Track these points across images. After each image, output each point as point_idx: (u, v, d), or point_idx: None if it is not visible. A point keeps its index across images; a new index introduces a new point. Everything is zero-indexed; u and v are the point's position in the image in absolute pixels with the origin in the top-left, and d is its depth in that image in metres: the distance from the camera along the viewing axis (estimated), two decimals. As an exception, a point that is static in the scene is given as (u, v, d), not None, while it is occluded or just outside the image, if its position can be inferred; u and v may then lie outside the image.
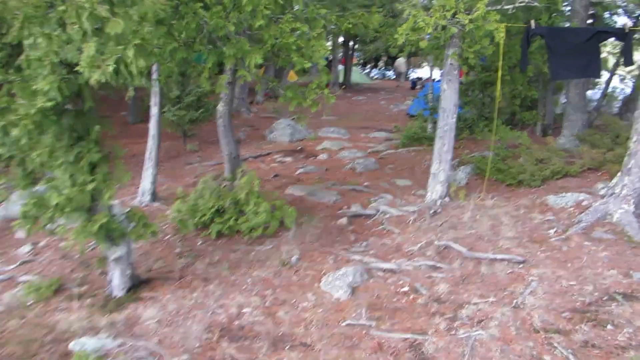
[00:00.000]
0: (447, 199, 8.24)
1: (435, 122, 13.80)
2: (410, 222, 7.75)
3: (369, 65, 44.03)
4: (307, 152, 13.50)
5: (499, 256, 6.15)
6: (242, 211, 7.63)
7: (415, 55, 39.63)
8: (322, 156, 12.90)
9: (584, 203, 7.40)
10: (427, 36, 7.77)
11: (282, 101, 7.44)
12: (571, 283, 5.45)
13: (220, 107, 8.50)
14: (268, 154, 13.23)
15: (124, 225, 5.50)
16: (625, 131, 10.31)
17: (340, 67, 28.95)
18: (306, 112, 7.71)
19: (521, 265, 5.97)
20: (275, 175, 10.92)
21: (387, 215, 8.15)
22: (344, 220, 8.22)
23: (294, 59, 6.85)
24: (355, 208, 8.77)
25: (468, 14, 7.00)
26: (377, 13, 7.83)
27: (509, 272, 5.85)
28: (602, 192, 7.65)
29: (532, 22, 7.33)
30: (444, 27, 7.25)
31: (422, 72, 41.22)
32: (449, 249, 6.60)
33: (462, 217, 7.53)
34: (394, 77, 38.12)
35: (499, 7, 7.38)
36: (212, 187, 7.84)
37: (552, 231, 6.80)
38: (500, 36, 6.97)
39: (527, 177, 8.89)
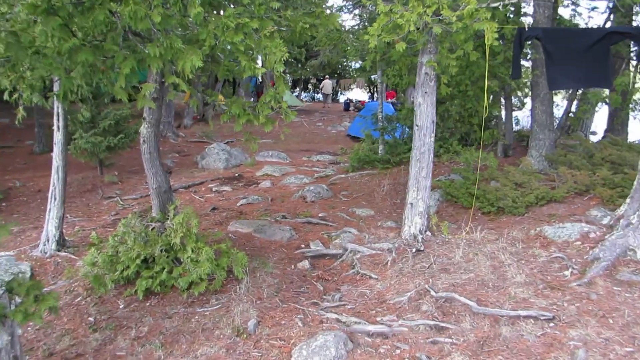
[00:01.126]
0: (428, 233, 6.88)
1: (386, 143, 12.71)
2: (389, 264, 6.31)
3: (297, 88, 43.11)
4: (246, 180, 11.87)
5: (522, 313, 4.75)
6: (177, 260, 5.94)
7: (344, 78, 39.24)
8: (265, 183, 11.31)
9: (592, 235, 6.25)
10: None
11: (226, 119, 5.84)
12: (628, 349, 4.15)
13: (144, 129, 6.69)
14: (201, 182, 11.49)
15: (4, 302, 3.67)
16: (599, 151, 9.48)
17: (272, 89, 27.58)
18: (255, 134, 6.17)
19: (552, 324, 4.63)
20: (213, 209, 9.20)
21: (358, 255, 6.69)
22: (305, 264, 6.71)
23: (242, 64, 5.26)
24: (316, 246, 7.28)
25: (454, 11, 5.77)
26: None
27: (539, 334, 4.48)
28: (604, 221, 6.56)
29: (526, 24, 6.20)
30: (424, 26, 5.98)
31: (352, 94, 40.81)
32: (452, 302, 5.19)
33: (452, 256, 6.18)
34: (322, 99, 37.14)
35: (484, 5, 6.18)
36: (136, 229, 6.06)
37: (567, 273, 5.56)
38: (493, 37, 5.79)
39: (509, 204, 7.72)
